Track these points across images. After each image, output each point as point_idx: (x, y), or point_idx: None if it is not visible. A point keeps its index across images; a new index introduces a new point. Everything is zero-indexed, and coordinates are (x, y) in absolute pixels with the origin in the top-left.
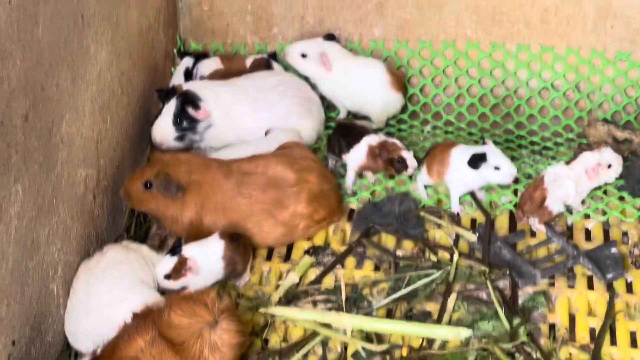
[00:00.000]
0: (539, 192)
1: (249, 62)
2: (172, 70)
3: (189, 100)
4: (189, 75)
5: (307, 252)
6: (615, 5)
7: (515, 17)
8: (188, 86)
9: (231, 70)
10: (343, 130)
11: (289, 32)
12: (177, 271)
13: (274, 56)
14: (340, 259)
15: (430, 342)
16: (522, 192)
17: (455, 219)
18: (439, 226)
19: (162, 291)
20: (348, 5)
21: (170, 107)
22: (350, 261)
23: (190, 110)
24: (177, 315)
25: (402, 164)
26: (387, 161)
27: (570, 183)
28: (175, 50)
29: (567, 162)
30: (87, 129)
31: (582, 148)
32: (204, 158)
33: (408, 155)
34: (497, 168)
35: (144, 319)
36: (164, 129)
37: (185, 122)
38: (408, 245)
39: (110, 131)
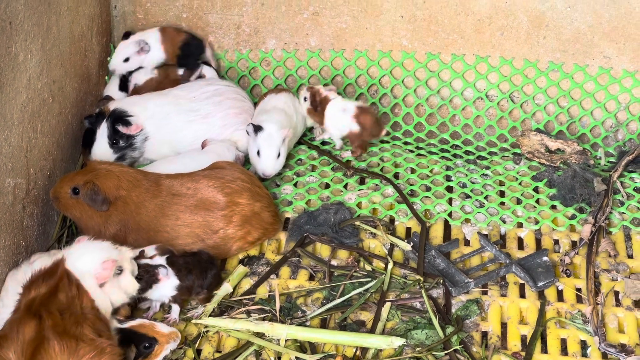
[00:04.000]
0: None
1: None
2: (105, 79)
3: (118, 118)
4: (124, 83)
5: (241, 261)
6: (548, 16)
7: (450, 27)
8: (115, 105)
9: (168, 78)
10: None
11: (224, 41)
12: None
13: (207, 63)
14: (274, 269)
15: (364, 351)
16: None
17: (390, 229)
18: (374, 235)
19: None
20: (283, 14)
21: (103, 130)
22: (285, 271)
23: (122, 128)
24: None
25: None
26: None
27: None
28: (109, 59)
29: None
30: (15, 137)
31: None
32: (136, 174)
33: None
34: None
35: None
36: (102, 154)
37: (121, 141)
38: (343, 255)
39: (40, 140)
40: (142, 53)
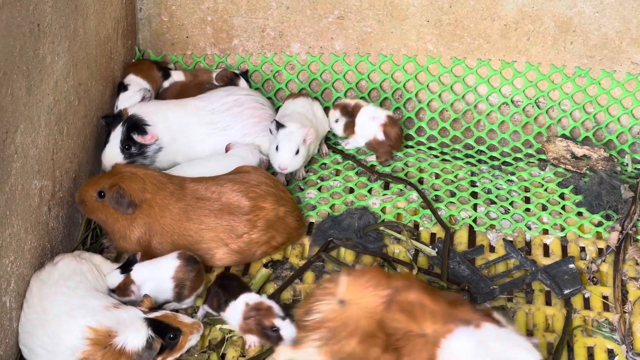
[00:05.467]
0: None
1: (214, 75)
2: None
3: (134, 125)
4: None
5: (265, 265)
6: (575, 21)
7: (476, 32)
8: (134, 110)
9: (193, 82)
10: (223, 283)
11: (249, 44)
12: (123, 290)
13: (245, 74)
14: (298, 273)
15: None
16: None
17: (415, 234)
18: (398, 241)
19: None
20: (309, 17)
21: (117, 133)
22: (309, 275)
23: (136, 137)
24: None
25: (275, 334)
26: (258, 326)
27: None
28: (133, 61)
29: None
30: (42, 139)
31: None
32: (161, 177)
33: (283, 325)
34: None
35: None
36: (112, 158)
37: (133, 148)
38: (367, 260)
39: (66, 142)
40: (145, 101)
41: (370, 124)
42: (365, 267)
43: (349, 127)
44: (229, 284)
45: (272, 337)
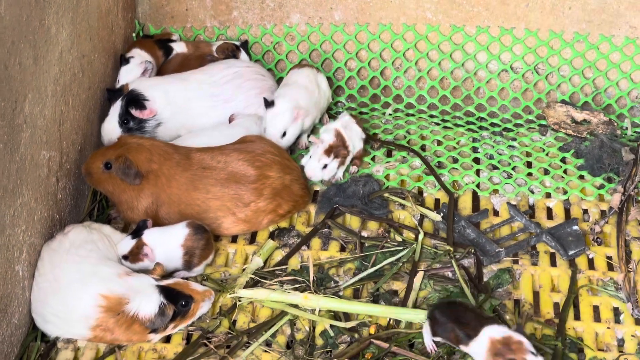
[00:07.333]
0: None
1: (214, 47)
2: None
3: (132, 100)
4: None
5: (272, 233)
6: None
7: None
8: (135, 85)
9: (194, 54)
10: (457, 315)
11: (248, 16)
12: (135, 254)
13: (244, 45)
14: (305, 240)
15: (398, 320)
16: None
17: (419, 200)
18: (403, 207)
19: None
20: None
21: (116, 108)
22: (316, 242)
23: (134, 111)
24: None
25: None
26: None
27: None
28: (134, 35)
29: None
30: (49, 110)
31: None
32: (167, 148)
33: None
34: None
35: None
36: (110, 131)
37: (131, 122)
38: (373, 226)
39: (72, 114)
40: (147, 73)
41: (352, 131)
42: None
43: (343, 154)
44: (460, 314)
45: None
